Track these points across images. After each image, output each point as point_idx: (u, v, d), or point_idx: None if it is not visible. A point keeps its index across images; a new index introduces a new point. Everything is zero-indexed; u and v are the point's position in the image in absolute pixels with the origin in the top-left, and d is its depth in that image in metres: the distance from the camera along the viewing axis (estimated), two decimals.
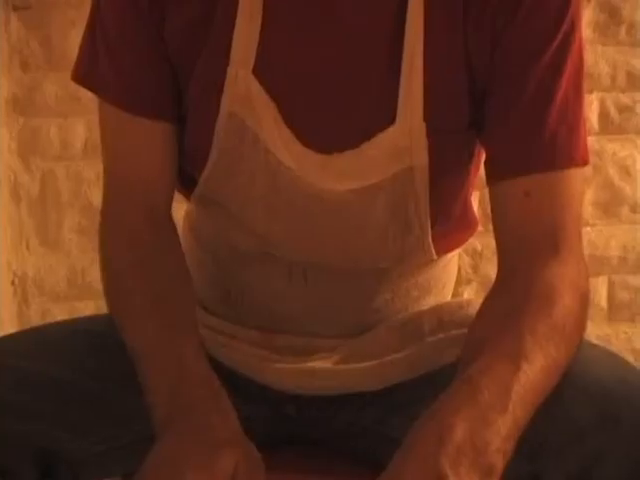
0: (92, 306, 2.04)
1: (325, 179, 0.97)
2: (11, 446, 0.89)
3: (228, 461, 0.81)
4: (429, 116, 0.95)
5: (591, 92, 2.07)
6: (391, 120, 0.96)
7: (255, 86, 0.96)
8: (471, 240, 1.15)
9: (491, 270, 2.08)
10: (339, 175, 0.97)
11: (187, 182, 1.05)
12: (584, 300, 0.92)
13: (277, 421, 1.05)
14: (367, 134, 0.96)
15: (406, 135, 0.96)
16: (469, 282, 2.09)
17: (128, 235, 1.01)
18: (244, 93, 0.96)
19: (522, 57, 0.93)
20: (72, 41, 1.99)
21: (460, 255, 1.20)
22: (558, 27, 0.92)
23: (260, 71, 0.96)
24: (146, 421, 0.88)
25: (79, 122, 2.02)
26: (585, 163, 0.96)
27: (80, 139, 2.03)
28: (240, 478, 0.81)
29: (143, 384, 0.89)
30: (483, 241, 2.03)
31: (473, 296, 2.07)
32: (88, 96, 1.91)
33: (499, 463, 0.79)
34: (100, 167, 2.11)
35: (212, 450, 0.81)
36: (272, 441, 1.03)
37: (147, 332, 0.92)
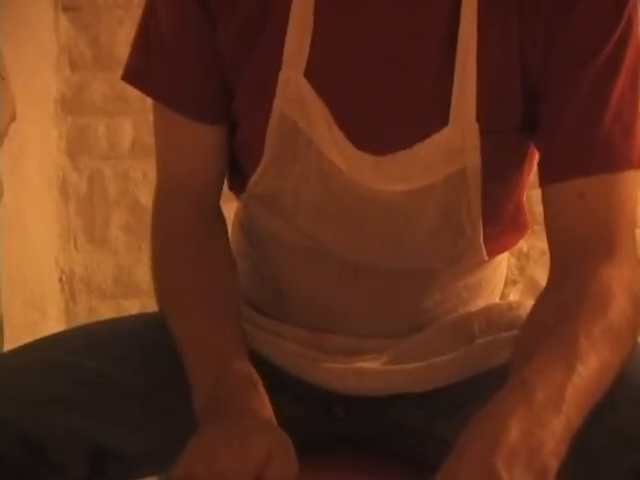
0: (137, 304, 2.06)
1: (377, 181, 0.97)
2: (64, 441, 0.90)
3: (260, 448, 0.83)
4: (482, 117, 0.94)
5: None
6: (444, 121, 0.95)
7: (307, 89, 0.96)
8: None
9: (537, 271, 2.07)
10: (391, 177, 0.97)
11: (239, 181, 1.06)
12: (638, 302, 0.91)
13: (325, 421, 1.05)
14: (420, 135, 0.96)
15: (459, 136, 0.95)
16: (515, 283, 2.07)
17: (178, 229, 1.03)
18: (296, 96, 0.97)
19: (577, 56, 0.92)
20: (120, 41, 2.02)
21: None
22: (615, 25, 0.91)
23: (312, 74, 0.96)
24: (196, 419, 0.89)
25: (127, 121, 2.04)
26: None
27: (128, 138, 2.05)
28: (274, 464, 0.82)
29: (188, 378, 0.92)
30: (529, 242, 2.02)
31: (519, 297, 2.05)
32: (136, 96, 1.95)
33: (553, 464, 0.78)
34: (147, 166, 2.14)
35: (245, 438, 0.83)
36: (320, 441, 1.03)
37: (192, 328, 0.95)
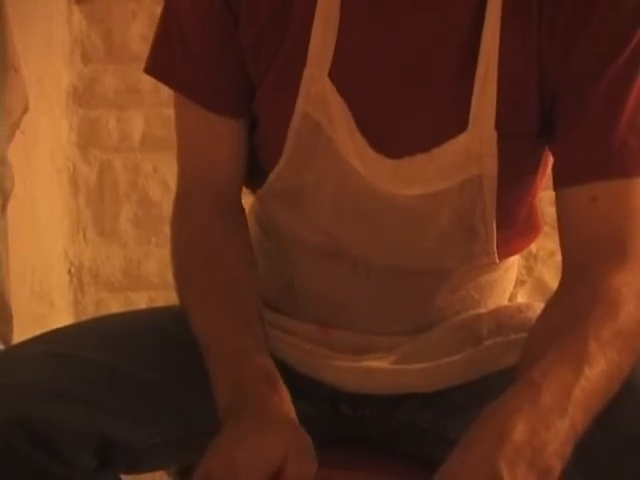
0: (146, 297, 2.06)
1: (394, 184, 0.98)
2: (71, 434, 0.90)
3: (277, 445, 0.83)
4: (501, 123, 0.95)
5: None
6: (463, 126, 0.95)
7: (330, 89, 0.97)
8: None
9: (545, 272, 2.07)
10: (408, 181, 0.97)
11: (256, 177, 1.06)
12: None
13: (332, 419, 1.05)
14: (438, 139, 0.96)
15: (477, 142, 0.95)
16: (523, 284, 2.07)
17: (198, 224, 1.03)
18: (319, 95, 0.97)
19: (594, 63, 0.92)
20: (132, 34, 2.02)
21: None
22: (632, 33, 0.91)
23: (335, 74, 0.97)
24: (204, 415, 0.90)
25: (138, 114, 2.04)
26: None
27: (138, 131, 2.05)
28: (292, 462, 0.83)
29: (210, 373, 0.92)
30: (538, 243, 2.01)
31: (526, 297, 2.05)
32: (147, 89, 1.95)
33: (556, 466, 0.78)
34: (157, 160, 2.15)
35: (262, 435, 0.84)
36: (327, 439, 1.03)
37: (213, 322, 0.95)
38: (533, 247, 2.07)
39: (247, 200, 1.13)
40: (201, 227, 1.03)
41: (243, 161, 1.05)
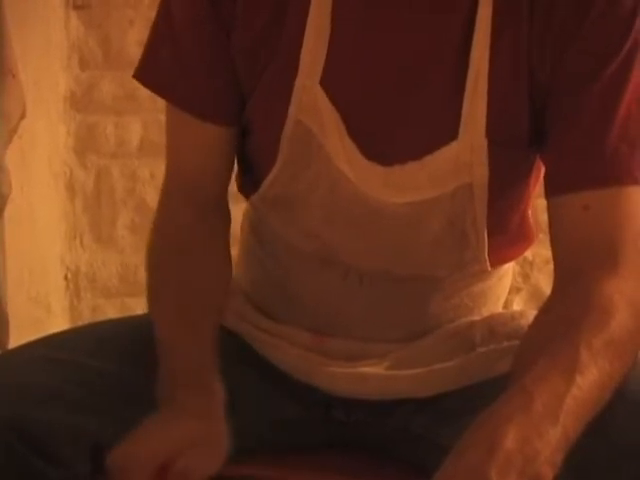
0: (142, 303, 2.05)
1: (384, 192, 0.98)
2: (66, 438, 0.91)
3: (178, 433, 0.85)
4: (491, 132, 0.95)
5: None
6: (454, 135, 0.96)
7: (322, 97, 0.97)
8: None
9: (541, 279, 2.07)
10: (399, 189, 0.98)
11: (249, 183, 1.07)
12: None
13: (326, 424, 1.05)
14: (429, 148, 0.97)
15: (468, 151, 0.96)
16: (518, 291, 2.08)
17: (178, 225, 1.04)
18: (311, 103, 0.97)
19: (585, 70, 0.92)
20: (130, 40, 2.03)
21: None
22: (623, 41, 0.91)
23: (327, 81, 0.97)
24: None
25: (135, 120, 2.05)
26: None
27: (136, 137, 2.06)
28: (193, 452, 0.84)
29: (160, 366, 0.93)
30: (534, 250, 2.01)
31: (522, 305, 2.06)
32: (145, 95, 1.96)
33: (547, 474, 0.78)
34: (154, 166, 2.15)
35: (165, 422, 0.87)
36: (321, 444, 1.04)
37: (167, 334, 0.96)
38: (529, 254, 2.07)
39: (242, 207, 1.13)
40: (180, 228, 1.03)
41: (228, 168, 1.06)
